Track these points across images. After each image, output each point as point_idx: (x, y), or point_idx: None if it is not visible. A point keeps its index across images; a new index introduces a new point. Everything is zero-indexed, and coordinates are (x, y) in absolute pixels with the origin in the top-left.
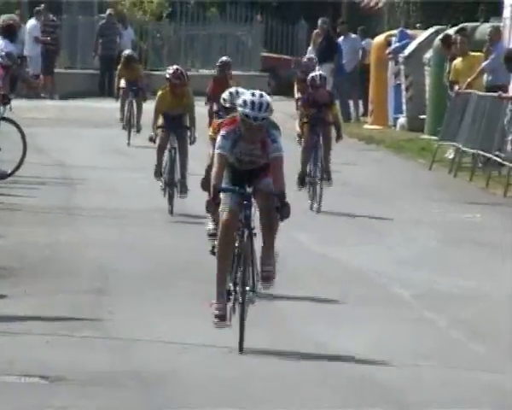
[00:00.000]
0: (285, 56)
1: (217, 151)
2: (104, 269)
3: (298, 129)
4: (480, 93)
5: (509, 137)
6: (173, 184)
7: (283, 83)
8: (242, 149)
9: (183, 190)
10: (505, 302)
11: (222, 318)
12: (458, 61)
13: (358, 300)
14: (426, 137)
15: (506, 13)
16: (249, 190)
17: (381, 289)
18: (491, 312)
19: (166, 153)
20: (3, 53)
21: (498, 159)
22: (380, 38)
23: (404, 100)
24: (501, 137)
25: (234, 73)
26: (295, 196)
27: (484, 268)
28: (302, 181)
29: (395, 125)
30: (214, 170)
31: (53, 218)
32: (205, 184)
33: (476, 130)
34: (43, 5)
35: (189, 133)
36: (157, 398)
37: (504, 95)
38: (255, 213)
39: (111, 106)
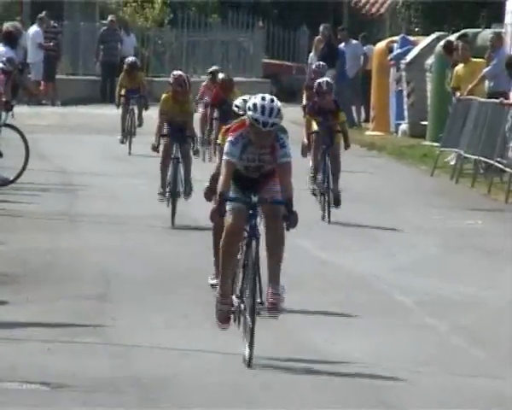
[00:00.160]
0: (287, 63)
1: (225, 158)
2: (105, 275)
3: (305, 140)
4: (482, 99)
5: (511, 144)
6: (176, 195)
7: (285, 89)
8: (251, 155)
9: (188, 190)
10: (506, 309)
11: (225, 318)
12: (460, 67)
13: (360, 306)
14: (427, 143)
15: (508, 19)
16: (255, 198)
17: (382, 295)
18: (492, 318)
19: (170, 164)
20: (4, 59)
21: (500, 165)
22: (381, 45)
23: (405, 106)
24: (502, 143)
25: (236, 79)
26: (305, 205)
27: (485, 275)
28: (314, 176)
29: (397, 132)
30: (221, 178)
31: (55, 224)
32: (208, 194)
33: (478, 136)
34: (44, 12)
35: (192, 144)
36: (158, 404)
37: (506, 101)
38: (260, 223)
39: (112, 112)
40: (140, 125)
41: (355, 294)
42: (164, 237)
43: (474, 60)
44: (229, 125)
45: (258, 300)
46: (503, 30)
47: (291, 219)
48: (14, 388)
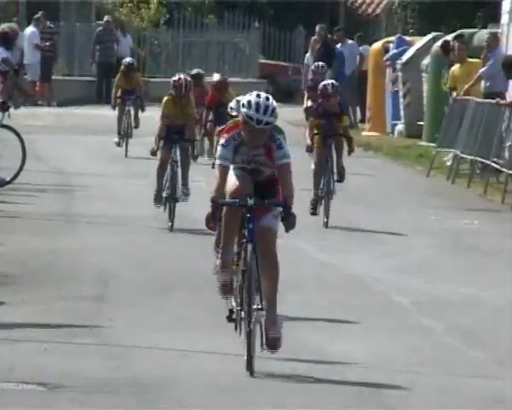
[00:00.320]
0: (283, 63)
1: (217, 162)
2: (104, 276)
3: (308, 141)
4: (478, 100)
5: (507, 144)
6: (174, 199)
7: (281, 89)
8: (245, 156)
9: (185, 192)
10: (503, 309)
11: (227, 289)
12: (456, 67)
13: (358, 307)
14: (424, 143)
15: (504, 19)
16: (251, 201)
17: (379, 296)
18: (490, 318)
19: (168, 168)
20: (0, 59)
21: (496, 165)
22: (377, 45)
23: (401, 106)
24: (499, 143)
25: (232, 80)
26: (304, 205)
27: (482, 275)
28: (315, 207)
29: (393, 132)
30: (215, 183)
31: (52, 225)
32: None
33: (474, 136)
34: (40, 12)
35: (191, 148)
36: (157, 404)
37: (502, 101)
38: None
39: (109, 113)
40: (136, 126)
41: (353, 295)
42: (162, 238)
43: (471, 60)
44: (223, 127)
45: (259, 306)
46: (500, 30)
47: (289, 222)
48: (10, 388)
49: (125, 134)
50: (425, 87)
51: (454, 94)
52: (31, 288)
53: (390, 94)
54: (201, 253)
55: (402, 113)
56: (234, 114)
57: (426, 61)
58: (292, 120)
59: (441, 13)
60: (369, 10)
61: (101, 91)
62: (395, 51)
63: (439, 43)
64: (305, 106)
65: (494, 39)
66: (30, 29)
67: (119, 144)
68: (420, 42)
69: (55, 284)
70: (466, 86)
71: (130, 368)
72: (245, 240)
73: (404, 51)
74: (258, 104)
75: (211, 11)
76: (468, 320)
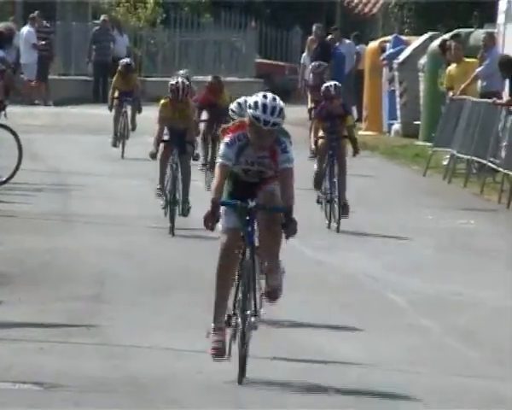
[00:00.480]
0: (279, 63)
1: (219, 161)
2: (102, 276)
3: (312, 145)
4: (475, 99)
5: (504, 144)
6: (175, 203)
7: (278, 89)
8: (250, 158)
9: (185, 211)
10: (499, 308)
11: (220, 352)
12: (453, 67)
13: (353, 306)
14: (420, 143)
15: (500, 19)
16: (252, 204)
17: (375, 295)
18: (486, 318)
19: (168, 168)
20: None
21: (493, 165)
22: (374, 44)
23: (398, 106)
24: (495, 143)
25: (228, 79)
26: (304, 206)
27: (478, 274)
28: (319, 183)
29: (389, 132)
30: (215, 182)
31: (50, 224)
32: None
33: (470, 136)
34: (37, 11)
35: (192, 150)
36: (155, 404)
37: (499, 101)
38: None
39: (105, 112)
40: (133, 128)
41: (350, 294)
42: (160, 238)
43: (467, 60)
44: (227, 126)
45: (249, 312)
46: (496, 30)
47: (290, 228)
48: (7, 388)
49: (121, 136)
50: (421, 87)
51: (450, 93)
52: (28, 287)
53: (386, 93)
54: (201, 253)
55: (398, 112)
56: (235, 117)
57: (422, 60)
58: (289, 119)
59: (438, 12)
60: (366, 10)
61: (98, 91)
62: (392, 51)
63: (436, 42)
64: (309, 106)
65: (490, 39)
66: (26, 29)
67: (114, 145)
68: (416, 41)
69: (52, 284)
70: (462, 86)
71: (128, 368)
72: (243, 243)
73: (400, 51)
74: (265, 105)
75: (207, 11)
76: (464, 320)
